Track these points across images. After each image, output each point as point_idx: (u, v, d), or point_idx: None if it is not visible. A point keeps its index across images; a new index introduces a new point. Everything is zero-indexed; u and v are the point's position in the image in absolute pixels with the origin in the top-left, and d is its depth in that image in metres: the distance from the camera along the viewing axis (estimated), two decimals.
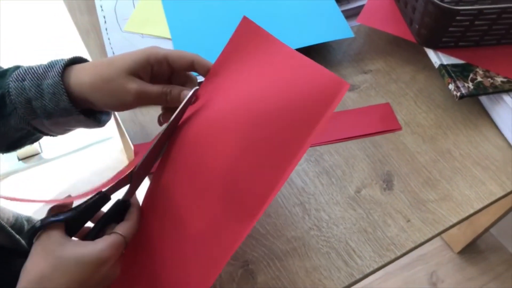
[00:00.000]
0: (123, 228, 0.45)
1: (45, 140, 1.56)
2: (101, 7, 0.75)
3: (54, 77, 0.46)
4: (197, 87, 0.50)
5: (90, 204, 0.45)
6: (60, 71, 0.46)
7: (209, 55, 0.67)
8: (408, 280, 1.32)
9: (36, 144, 1.51)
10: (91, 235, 0.45)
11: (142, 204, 0.50)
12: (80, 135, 1.57)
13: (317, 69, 0.41)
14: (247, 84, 0.46)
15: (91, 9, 0.76)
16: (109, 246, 0.43)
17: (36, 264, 0.40)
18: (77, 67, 0.48)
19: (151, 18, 0.72)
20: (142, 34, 0.70)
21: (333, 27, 0.69)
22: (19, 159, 1.52)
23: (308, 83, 0.41)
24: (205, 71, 0.51)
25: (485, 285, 1.33)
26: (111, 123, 1.43)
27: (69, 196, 0.47)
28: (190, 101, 0.49)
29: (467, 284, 1.33)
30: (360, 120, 0.63)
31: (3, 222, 0.58)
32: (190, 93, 0.49)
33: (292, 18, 0.71)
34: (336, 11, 0.71)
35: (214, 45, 0.68)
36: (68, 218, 0.43)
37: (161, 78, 0.51)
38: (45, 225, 0.42)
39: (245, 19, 0.49)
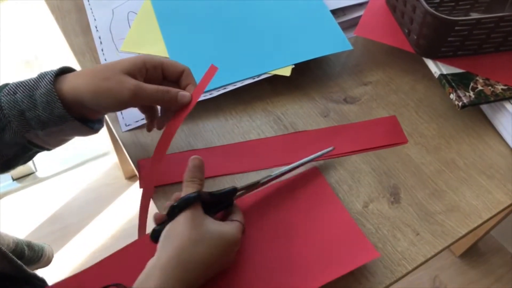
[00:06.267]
0: (240, 218, 0.50)
1: (40, 159, 1.53)
2: (96, 27, 0.74)
3: (46, 86, 0.47)
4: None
5: (224, 193, 0.50)
6: (51, 79, 0.47)
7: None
8: (411, 286, 1.32)
9: (30, 163, 1.49)
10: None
11: None
12: (75, 152, 1.56)
13: (359, 235, 0.53)
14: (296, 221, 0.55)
15: (86, 30, 0.75)
16: (239, 231, 0.48)
17: (188, 231, 0.44)
18: (69, 75, 0.50)
19: (148, 37, 0.72)
20: (139, 54, 0.70)
21: (331, 40, 0.69)
22: (13, 179, 1.49)
23: (346, 242, 0.53)
24: (186, 84, 0.54)
25: (487, 287, 1.33)
26: (106, 139, 1.42)
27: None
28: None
29: (470, 287, 1.33)
30: (367, 133, 0.63)
31: (3, 249, 0.57)
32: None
33: (290, 33, 0.70)
34: (333, 24, 0.71)
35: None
36: (206, 199, 0.48)
37: (153, 84, 0.52)
38: (191, 199, 0.46)
39: (315, 170, 0.59)
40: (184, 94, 0.52)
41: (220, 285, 0.48)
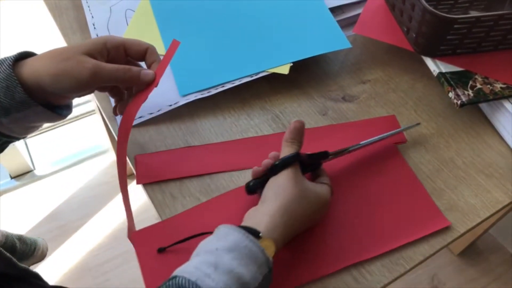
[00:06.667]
0: (328, 181, 0.54)
1: (38, 157, 1.52)
2: (93, 25, 0.73)
3: (5, 71, 0.46)
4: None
5: (318, 155, 0.54)
6: (10, 64, 0.47)
7: (206, 70, 0.67)
8: (409, 284, 1.32)
9: (28, 161, 1.48)
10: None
11: None
12: (73, 151, 1.55)
13: (431, 205, 0.57)
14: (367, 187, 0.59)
15: (83, 27, 0.74)
16: (330, 194, 0.52)
17: (293, 187, 0.48)
18: (30, 59, 0.49)
19: (145, 35, 0.71)
20: None
21: (330, 38, 0.69)
22: (12, 177, 1.49)
23: (418, 211, 0.57)
24: (150, 62, 0.54)
25: (486, 286, 1.33)
26: (104, 137, 1.41)
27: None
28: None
29: (468, 286, 1.33)
30: (365, 132, 0.63)
31: None
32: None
33: (288, 31, 0.70)
34: (332, 22, 0.71)
35: (211, 61, 0.68)
36: (303, 159, 0.52)
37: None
38: (291, 158, 0.50)
39: (394, 147, 0.62)
40: (147, 72, 0.52)
41: (308, 239, 0.53)
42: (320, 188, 0.52)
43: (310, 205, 0.49)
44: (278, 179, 0.50)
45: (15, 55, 0.48)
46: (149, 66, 0.54)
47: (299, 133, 0.53)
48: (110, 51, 0.51)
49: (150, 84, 0.53)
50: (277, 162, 0.51)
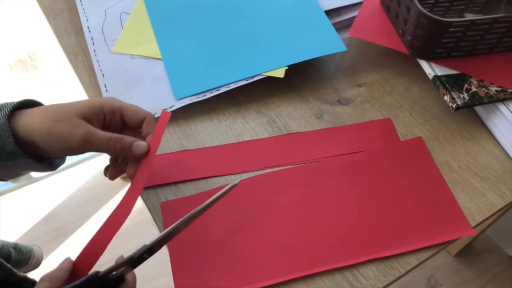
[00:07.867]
0: None
1: None
2: (88, 28, 0.73)
3: (0, 119, 0.45)
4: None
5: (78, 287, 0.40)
6: (7, 113, 0.45)
7: (201, 74, 0.67)
8: (406, 285, 1.32)
9: None
10: None
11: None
12: None
13: (456, 210, 0.57)
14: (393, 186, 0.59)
15: (78, 30, 0.74)
16: None
17: None
18: (27, 110, 0.47)
19: (141, 38, 0.71)
20: (132, 55, 0.69)
21: (325, 41, 0.69)
22: None
23: (441, 215, 0.56)
24: (147, 133, 0.51)
25: (482, 286, 1.33)
26: None
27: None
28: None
29: (465, 286, 1.33)
30: (361, 135, 0.63)
31: None
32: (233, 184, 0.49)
33: (284, 34, 0.70)
34: (327, 24, 0.71)
35: (206, 64, 0.68)
36: None
37: (112, 130, 0.50)
38: None
39: (420, 139, 0.63)
40: (140, 144, 0.49)
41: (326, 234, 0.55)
42: None
43: None
44: None
45: (15, 104, 0.47)
46: (145, 137, 0.51)
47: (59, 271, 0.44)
48: (107, 116, 0.49)
49: (143, 156, 0.50)
50: None
